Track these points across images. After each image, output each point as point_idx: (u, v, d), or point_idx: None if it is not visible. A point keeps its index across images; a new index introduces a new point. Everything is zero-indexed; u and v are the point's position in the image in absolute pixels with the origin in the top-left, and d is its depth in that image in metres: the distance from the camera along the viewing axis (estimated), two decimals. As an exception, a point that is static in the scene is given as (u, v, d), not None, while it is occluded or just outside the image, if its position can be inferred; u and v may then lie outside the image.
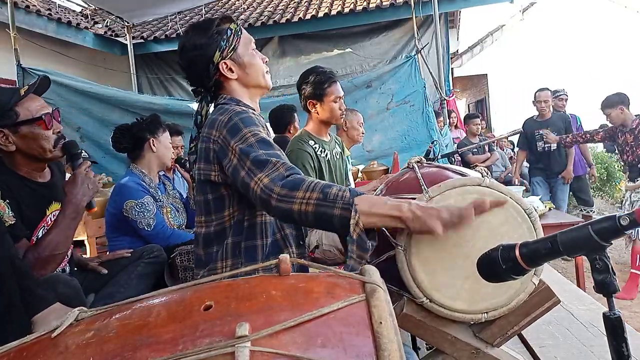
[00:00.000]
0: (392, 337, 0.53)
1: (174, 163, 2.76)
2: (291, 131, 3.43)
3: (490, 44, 11.41)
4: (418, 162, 1.21)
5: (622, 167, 6.34)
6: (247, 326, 0.51)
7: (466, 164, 5.37)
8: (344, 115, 2.45)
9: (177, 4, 6.05)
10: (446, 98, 5.46)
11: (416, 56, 4.87)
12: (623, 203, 4.30)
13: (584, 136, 4.58)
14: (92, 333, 0.57)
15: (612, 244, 0.67)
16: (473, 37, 11.42)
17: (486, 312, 0.98)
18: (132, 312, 0.60)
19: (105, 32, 7.16)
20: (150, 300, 0.63)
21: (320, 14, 6.83)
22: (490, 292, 0.97)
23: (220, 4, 8.74)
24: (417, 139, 4.79)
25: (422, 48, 5.01)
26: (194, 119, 1.43)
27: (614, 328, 0.64)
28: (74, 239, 1.87)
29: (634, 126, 4.04)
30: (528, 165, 5.63)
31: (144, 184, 2.34)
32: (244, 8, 8.35)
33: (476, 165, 4.71)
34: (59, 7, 7.19)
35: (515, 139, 5.84)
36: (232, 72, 1.35)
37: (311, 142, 2.31)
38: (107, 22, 7.06)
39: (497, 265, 0.72)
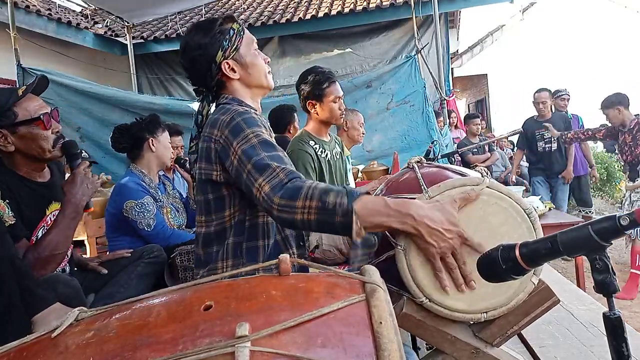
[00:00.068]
0: (392, 337, 0.53)
1: (173, 163, 2.76)
2: (291, 131, 3.43)
3: (490, 44, 11.41)
4: (418, 162, 1.21)
5: (622, 167, 6.34)
6: (247, 326, 0.51)
7: (466, 164, 5.38)
8: (343, 116, 2.45)
9: (177, 4, 6.05)
10: (446, 98, 5.46)
11: (416, 56, 4.87)
12: (623, 203, 4.31)
13: (585, 133, 4.57)
14: (92, 333, 0.57)
15: (612, 244, 0.67)
16: (473, 37, 11.43)
17: (486, 312, 0.98)
18: (132, 312, 0.60)
19: (105, 32, 7.16)
20: (150, 300, 0.63)
21: (320, 14, 6.83)
22: (490, 292, 0.97)
23: (220, 4, 8.74)
24: (417, 139, 4.78)
25: (422, 48, 5.01)
26: (195, 118, 1.43)
27: (614, 328, 0.64)
28: (74, 239, 1.87)
29: (632, 126, 4.05)
30: (528, 165, 5.64)
31: (143, 184, 2.34)
32: (244, 8, 8.35)
33: (476, 165, 4.72)
34: (59, 7, 7.19)
35: (515, 139, 5.84)
36: (234, 72, 1.35)
37: (311, 143, 2.31)
38: (107, 22, 7.07)
39: (497, 265, 0.72)
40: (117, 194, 2.31)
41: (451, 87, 7.63)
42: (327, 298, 0.58)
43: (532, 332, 1.45)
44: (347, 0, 7.24)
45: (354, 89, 4.90)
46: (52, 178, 1.74)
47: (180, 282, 1.63)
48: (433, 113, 4.85)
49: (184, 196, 2.70)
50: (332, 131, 2.56)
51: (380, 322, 0.54)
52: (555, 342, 1.47)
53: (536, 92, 4.94)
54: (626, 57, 10.37)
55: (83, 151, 1.72)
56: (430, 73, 5.17)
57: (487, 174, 1.18)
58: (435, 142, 2.90)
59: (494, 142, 6.22)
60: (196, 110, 1.46)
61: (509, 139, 6.87)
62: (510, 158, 6.60)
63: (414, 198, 1.00)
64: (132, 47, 6.37)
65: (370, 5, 6.77)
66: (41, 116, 1.56)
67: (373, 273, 0.64)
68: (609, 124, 4.35)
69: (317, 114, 2.33)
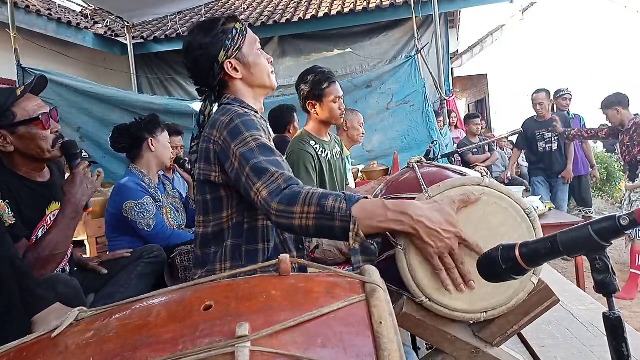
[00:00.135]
0: (392, 337, 0.53)
1: (172, 163, 2.76)
2: (291, 131, 3.43)
3: (490, 44, 11.41)
4: (418, 162, 1.21)
5: (622, 167, 6.34)
6: (247, 326, 0.51)
7: (466, 164, 5.37)
8: (343, 116, 2.45)
9: (177, 4, 6.05)
10: (446, 98, 5.46)
11: (416, 56, 4.87)
12: (622, 202, 4.31)
13: (589, 132, 4.58)
14: (92, 333, 0.57)
15: (612, 244, 0.67)
16: (473, 37, 11.43)
17: (486, 312, 0.98)
18: (132, 312, 0.60)
19: (105, 32, 7.16)
20: (150, 300, 0.63)
21: (320, 14, 6.83)
22: (489, 292, 0.97)
23: (220, 4, 8.74)
24: (417, 139, 4.78)
25: (422, 48, 5.00)
26: (197, 118, 1.43)
27: (614, 328, 0.64)
28: (74, 239, 1.87)
29: (629, 127, 4.06)
30: (527, 165, 5.64)
31: (143, 184, 2.34)
32: (244, 8, 8.35)
33: (476, 165, 4.72)
34: (59, 7, 7.19)
35: (515, 138, 5.85)
36: (237, 71, 1.35)
37: (312, 143, 2.31)
38: (107, 22, 7.07)
39: (497, 265, 0.72)
40: (116, 194, 2.31)
41: (451, 87, 7.63)
42: (327, 298, 0.58)
43: (532, 332, 1.45)
44: (347, 0, 7.24)
45: (354, 89, 4.90)
46: (52, 178, 1.73)
47: (180, 282, 1.64)
48: (433, 113, 4.85)
49: (184, 196, 2.70)
50: (331, 131, 2.56)
51: (380, 322, 0.54)
52: (555, 342, 1.47)
53: (534, 93, 4.95)
54: (626, 57, 10.37)
55: (83, 151, 1.72)
56: (430, 73, 5.17)
57: (487, 174, 1.19)
58: (435, 142, 2.89)
59: (494, 142, 6.22)
60: (197, 110, 1.46)
61: (509, 138, 6.86)
62: (510, 158, 6.60)
63: (414, 198, 1.00)
64: (132, 47, 6.37)
65: (370, 5, 6.77)
66: (40, 116, 1.56)
67: (373, 273, 0.64)
68: (609, 124, 4.36)
69: (317, 114, 2.33)
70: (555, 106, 5.26)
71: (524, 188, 4.94)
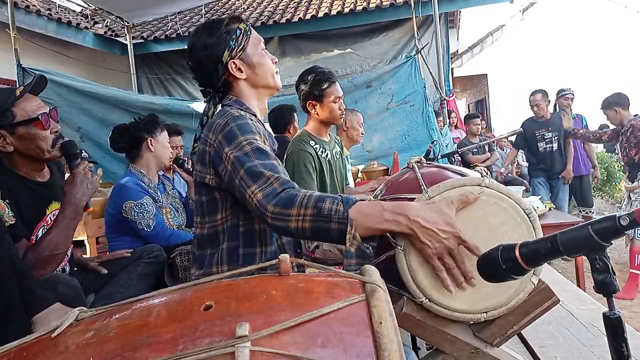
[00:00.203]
0: (392, 337, 0.53)
1: (172, 163, 2.76)
2: (291, 131, 3.43)
3: (490, 44, 11.41)
4: (418, 162, 1.21)
5: (622, 167, 6.35)
6: (247, 326, 0.51)
7: (466, 164, 5.38)
8: (343, 115, 2.45)
9: (177, 4, 6.05)
10: (446, 98, 5.46)
11: (416, 56, 4.87)
12: (621, 202, 4.32)
13: (594, 134, 4.59)
14: (92, 333, 0.57)
15: (612, 244, 0.67)
16: (473, 37, 11.43)
17: (486, 312, 0.98)
18: (132, 312, 0.60)
19: (105, 32, 7.17)
20: (150, 300, 0.63)
21: (320, 14, 6.83)
22: (490, 292, 0.97)
23: (220, 4, 8.75)
24: (417, 139, 4.78)
25: (422, 48, 5.00)
26: (200, 119, 1.43)
27: (614, 328, 0.64)
28: (74, 239, 1.87)
29: (627, 128, 4.07)
30: (527, 165, 5.63)
31: (143, 184, 2.34)
32: (244, 8, 8.35)
33: (476, 165, 4.71)
34: (59, 7, 7.19)
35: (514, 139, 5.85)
36: (241, 71, 1.35)
37: (312, 143, 2.31)
38: (107, 22, 7.07)
39: (497, 265, 0.72)
40: (116, 194, 2.31)
41: (451, 87, 7.63)
42: (327, 298, 0.58)
43: (532, 332, 1.45)
44: (347, 0, 7.24)
45: (354, 89, 4.90)
46: (52, 178, 1.73)
47: (180, 282, 1.63)
48: (433, 113, 4.85)
49: (184, 196, 2.70)
50: (331, 131, 2.56)
51: (380, 322, 0.54)
52: (555, 342, 1.47)
53: (530, 95, 4.95)
54: (626, 57, 10.37)
55: (83, 151, 1.72)
56: (430, 73, 5.17)
57: (487, 174, 1.18)
58: (435, 142, 2.90)
59: (494, 142, 6.22)
60: (197, 110, 1.46)
61: (509, 139, 6.87)
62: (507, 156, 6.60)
63: (414, 198, 1.00)
64: (132, 47, 6.37)
65: (370, 5, 6.78)
66: (39, 116, 1.56)
67: (373, 273, 0.64)
68: (609, 124, 4.37)
69: (317, 114, 2.33)
70: (557, 106, 5.26)
71: (524, 188, 4.94)
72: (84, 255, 2.45)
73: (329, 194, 1.03)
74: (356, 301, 0.58)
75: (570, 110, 5.20)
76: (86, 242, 2.92)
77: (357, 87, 4.96)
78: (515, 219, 0.98)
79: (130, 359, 0.51)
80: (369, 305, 0.57)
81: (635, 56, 10.27)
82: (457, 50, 10.87)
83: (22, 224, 1.55)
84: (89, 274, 1.97)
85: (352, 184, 3.17)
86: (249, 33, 1.37)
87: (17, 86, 3.98)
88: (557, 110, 5.19)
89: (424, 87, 4.83)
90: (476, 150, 5.49)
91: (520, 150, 5.69)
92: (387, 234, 0.98)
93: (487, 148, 5.64)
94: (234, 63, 1.33)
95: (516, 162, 6.94)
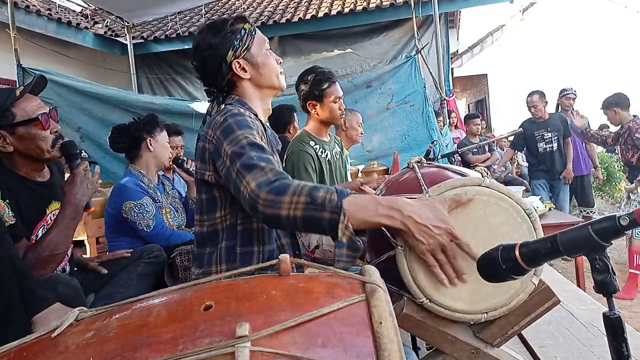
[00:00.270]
0: (392, 337, 0.53)
1: (171, 163, 2.75)
2: (290, 131, 3.43)
3: (490, 44, 11.41)
4: (418, 162, 1.21)
5: (622, 167, 6.35)
6: (247, 326, 0.51)
7: (466, 164, 5.38)
8: (343, 116, 2.45)
9: (177, 4, 6.05)
10: (446, 98, 5.45)
11: (416, 56, 4.87)
12: (621, 202, 4.32)
13: (601, 137, 4.61)
14: (92, 333, 0.57)
15: (612, 244, 0.67)
16: (473, 37, 11.43)
17: (486, 312, 0.98)
18: (132, 312, 0.60)
19: (105, 32, 7.17)
20: (150, 300, 0.63)
21: (320, 14, 6.83)
22: (490, 292, 0.97)
23: (220, 4, 8.74)
24: (417, 139, 4.78)
25: (422, 48, 5.00)
26: (203, 118, 1.43)
27: (614, 328, 0.64)
28: (74, 239, 1.87)
29: (624, 130, 4.07)
30: (527, 164, 5.63)
31: (142, 184, 2.34)
32: (244, 8, 8.35)
33: (476, 165, 4.72)
34: (59, 7, 7.19)
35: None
36: (245, 71, 1.35)
37: (312, 143, 2.31)
38: (107, 22, 7.07)
39: (497, 265, 0.72)
40: (116, 194, 2.31)
41: (451, 87, 7.63)
42: (327, 298, 0.58)
43: (532, 332, 1.45)
44: (347, 0, 7.24)
45: (354, 89, 4.90)
46: (52, 177, 1.74)
47: (180, 282, 1.63)
48: (433, 113, 4.85)
49: (183, 196, 2.69)
50: (330, 131, 2.56)
51: (381, 322, 0.54)
52: (555, 342, 1.47)
53: (528, 96, 4.95)
54: (626, 57, 10.37)
55: (82, 151, 1.72)
56: (430, 73, 5.17)
57: (487, 174, 1.18)
58: (435, 142, 2.89)
59: (494, 142, 6.23)
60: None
61: (509, 138, 6.88)
62: (510, 158, 6.60)
63: (415, 198, 1.00)
64: (132, 47, 6.37)
65: (370, 5, 6.78)
66: (39, 116, 1.56)
67: (373, 273, 0.64)
68: (609, 124, 4.38)
69: (317, 114, 2.33)
70: (559, 106, 5.25)
71: (524, 188, 4.94)
72: (84, 255, 2.45)
73: (324, 185, 1.01)
74: (356, 301, 0.58)
75: (573, 109, 5.20)
76: (86, 242, 2.91)
77: (357, 87, 4.96)
78: (516, 219, 0.98)
79: (130, 359, 0.51)
80: (369, 306, 0.57)
81: (635, 56, 10.27)
82: (457, 50, 10.87)
83: (22, 224, 1.55)
84: (89, 274, 1.97)
85: (352, 184, 3.16)
86: (253, 33, 1.37)
87: (17, 86, 3.98)
88: (560, 110, 5.19)
89: (424, 87, 4.83)
90: (476, 150, 5.49)
91: (516, 151, 5.69)
92: (388, 234, 0.98)
93: (487, 148, 5.64)
94: (238, 63, 1.33)
95: (516, 162, 6.95)
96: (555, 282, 1.98)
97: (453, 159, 3.84)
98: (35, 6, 5.88)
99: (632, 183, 4.11)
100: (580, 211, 5.32)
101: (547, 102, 4.92)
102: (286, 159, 2.30)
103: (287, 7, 7.73)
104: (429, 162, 1.27)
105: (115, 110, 4.79)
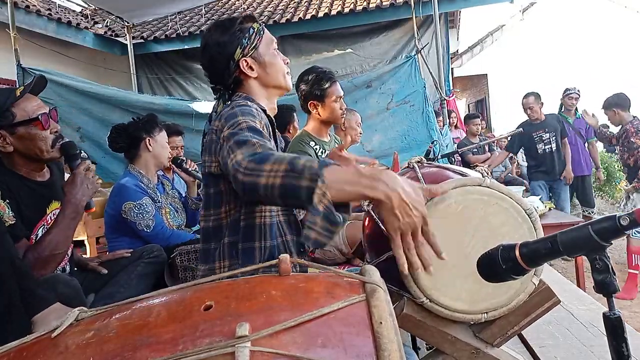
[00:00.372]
0: (392, 337, 0.53)
1: (171, 163, 2.75)
2: (290, 131, 3.43)
3: (490, 44, 11.41)
4: (418, 162, 1.21)
5: (622, 168, 6.36)
6: (247, 326, 0.51)
7: (466, 164, 5.37)
8: (344, 115, 2.45)
9: (177, 4, 6.05)
10: (446, 98, 5.45)
11: (416, 56, 4.86)
12: (620, 202, 4.32)
13: (606, 138, 4.62)
14: (92, 333, 0.57)
15: (612, 244, 0.67)
16: (473, 37, 11.43)
17: (486, 312, 0.98)
18: (132, 312, 0.60)
19: (105, 32, 7.16)
20: (150, 300, 0.63)
21: (320, 14, 6.83)
22: (490, 292, 0.97)
23: (220, 4, 8.74)
24: (417, 139, 4.78)
25: (422, 48, 5.00)
26: (209, 116, 1.44)
27: (614, 328, 0.64)
28: (74, 239, 1.87)
29: (622, 132, 4.08)
30: (527, 166, 5.62)
31: (142, 185, 2.34)
32: (244, 8, 8.35)
33: (476, 165, 4.71)
34: (59, 7, 7.19)
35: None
36: (252, 70, 1.36)
37: (312, 143, 2.31)
38: (107, 22, 7.07)
39: (497, 265, 0.72)
40: (115, 194, 2.31)
41: (451, 87, 7.63)
42: (327, 298, 0.58)
43: (532, 332, 1.45)
44: (347, 0, 7.24)
45: (354, 89, 4.89)
46: (52, 177, 1.74)
47: (180, 282, 1.63)
48: (433, 113, 4.85)
49: (183, 196, 2.69)
50: (330, 130, 2.56)
51: (381, 322, 0.54)
52: (555, 342, 1.47)
53: (523, 97, 4.93)
54: (626, 57, 10.37)
55: (82, 151, 1.72)
56: (430, 73, 5.17)
57: (487, 174, 1.18)
58: (435, 142, 2.90)
59: (494, 142, 6.22)
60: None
61: (509, 139, 6.87)
62: (510, 158, 6.60)
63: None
64: (132, 47, 6.37)
65: (370, 5, 6.78)
66: (39, 116, 1.56)
67: (373, 273, 0.64)
68: (609, 124, 4.38)
69: (318, 114, 2.33)
70: (562, 105, 5.25)
71: (524, 188, 4.94)
72: (84, 255, 2.45)
73: (308, 156, 0.99)
74: (356, 301, 0.58)
75: (576, 109, 5.19)
76: (86, 242, 2.91)
77: (357, 87, 4.96)
78: (517, 219, 0.98)
79: (130, 359, 0.51)
80: (369, 305, 0.57)
81: (635, 56, 10.27)
82: (457, 50, 10.86)
83: (22, 224, 1.55)
84: (89, 274, 1.97)
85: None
86: (261, 32, 1.38)
87: (17, 86, 3.98)
88: (563, 110, 5.18)
89: (424, 87, 4.83)
90: (476, 150, 5.48)
91: (511, 153, 5.68)
92: (384, 228, 0.98)
93: (487, 148, 5.64)
94: (245, 61, 1.34)
95: (516, 162, 6.94)
96: (555, 282, 1.98)
97: (453, 159, 3.84)
98: (35, 6, 5.88)
99: (631, 183, 4.11)
100: (582, 211, 5.32)
101: (542, 103, 4.91)
102: (286, 159, 2.29)
103: (287, 7, 7.73)
104: (429, 162, 1.27)
105: (115, 110, 4.79)
